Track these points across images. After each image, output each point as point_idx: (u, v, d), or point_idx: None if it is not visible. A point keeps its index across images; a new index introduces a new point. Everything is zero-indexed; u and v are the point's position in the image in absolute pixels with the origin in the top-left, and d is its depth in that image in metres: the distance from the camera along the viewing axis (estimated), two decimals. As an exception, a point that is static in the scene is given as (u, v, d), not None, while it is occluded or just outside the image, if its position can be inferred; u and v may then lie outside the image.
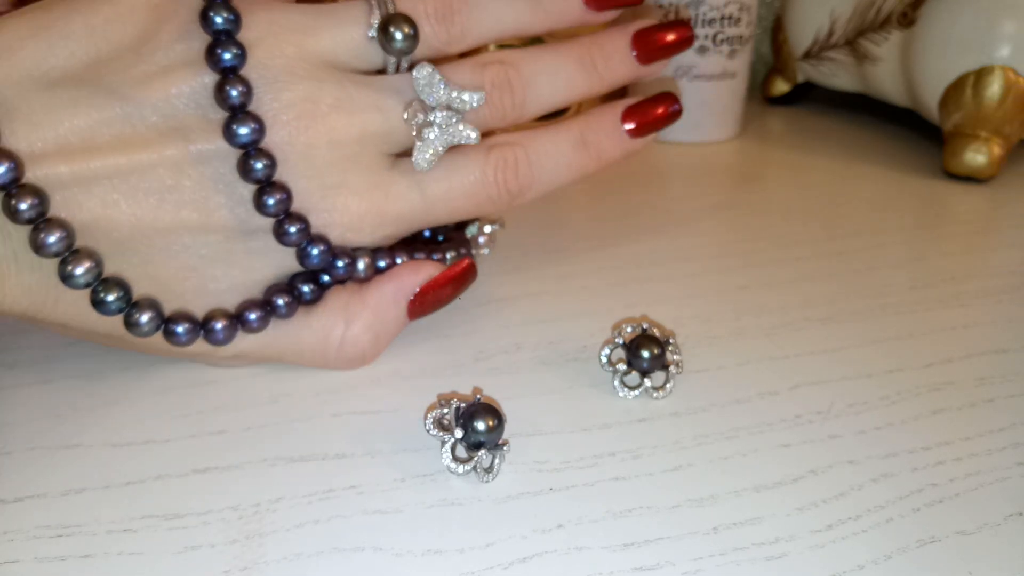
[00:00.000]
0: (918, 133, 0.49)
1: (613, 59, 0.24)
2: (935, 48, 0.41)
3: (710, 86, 0.46)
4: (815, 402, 0.22)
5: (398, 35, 0.21)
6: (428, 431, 0.19)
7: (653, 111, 0.25)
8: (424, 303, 0.23)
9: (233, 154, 0.20)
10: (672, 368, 0.22)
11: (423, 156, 0.22)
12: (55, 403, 0.22)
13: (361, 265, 0.22)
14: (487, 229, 0.28)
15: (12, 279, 0.19)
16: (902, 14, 0.44)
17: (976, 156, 0.40)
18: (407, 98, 0.22)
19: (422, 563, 0.16)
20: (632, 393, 0.22)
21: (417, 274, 0.23)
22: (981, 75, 0.39)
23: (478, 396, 0.19)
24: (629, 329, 0.23)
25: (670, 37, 0.25)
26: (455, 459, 0.19)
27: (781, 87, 0.55)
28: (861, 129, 0.51)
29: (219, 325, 0.21)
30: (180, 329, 0.20)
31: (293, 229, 0.20)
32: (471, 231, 0.28)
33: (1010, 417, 0.22)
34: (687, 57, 0.45)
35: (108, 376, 0.23)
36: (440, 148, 0.22)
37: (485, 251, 0.28)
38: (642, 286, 0.29)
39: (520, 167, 0.23)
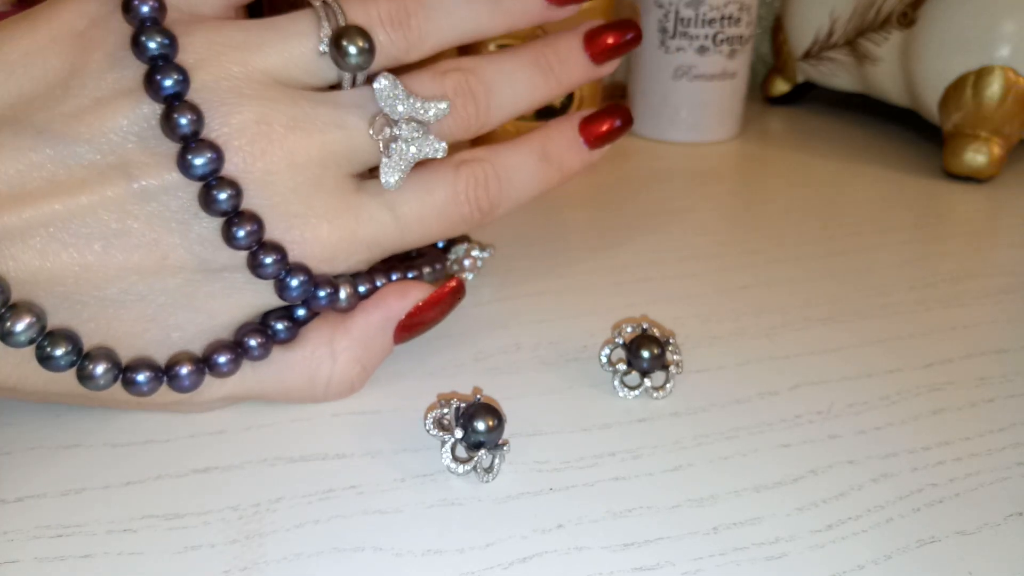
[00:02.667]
0: (918, 133, 0.49)
1: (568, 61, 0.24)
2: (935, 48, 0.41)
3: (710, 86, 0.46)
4: (815, 402, 0.22)
5: (352, 49, 0.19)
6: (428, 431, 0.19)
7: (609, 122, 0.25)
8: (412, 328, 0.22)
9: (183, 187, 0.18)
10: (672, 368, 0.22)
11: (392, 174, 0.21)
12: (55, 403, 0.22)
13: (343, 294, 0.21)
14: (475, 253, 0.28)
15: None
16: (902, 14, 0.44)
17: (976, 156, 0.40)
18: (369, 113, 0.20)
19: (422, 563, 0.16)
20: (632, 393, 0.22)
21: (404, 299, 0.22)
22: (981, 75, 0.39)
23: (478, 396, 0.19)
24: (629, 329, 0.23)
25: (620, 37, 0.24)
26: (455, 459, 0.19)
27: (781, 87, 0.55)
28: (861, 129, 0.51)
29: (184, 371, 0.19)
30: (141, 378, 0.18)
31: (269, 260, 0.19)
32: (458, 252, 0.28)
33: (1010, 417, 0.22)
34: (687, 57, 0.45)
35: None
36: (409, 164, 0.21)
37: (469, 276, 0.28)
38: (642, 286, 0.29)
39: (490, 183, 0.23)
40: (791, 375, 0.23)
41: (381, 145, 0.20)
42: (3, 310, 0.17)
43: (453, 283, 0.22)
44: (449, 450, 0.19)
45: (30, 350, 0.18)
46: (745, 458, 0.20)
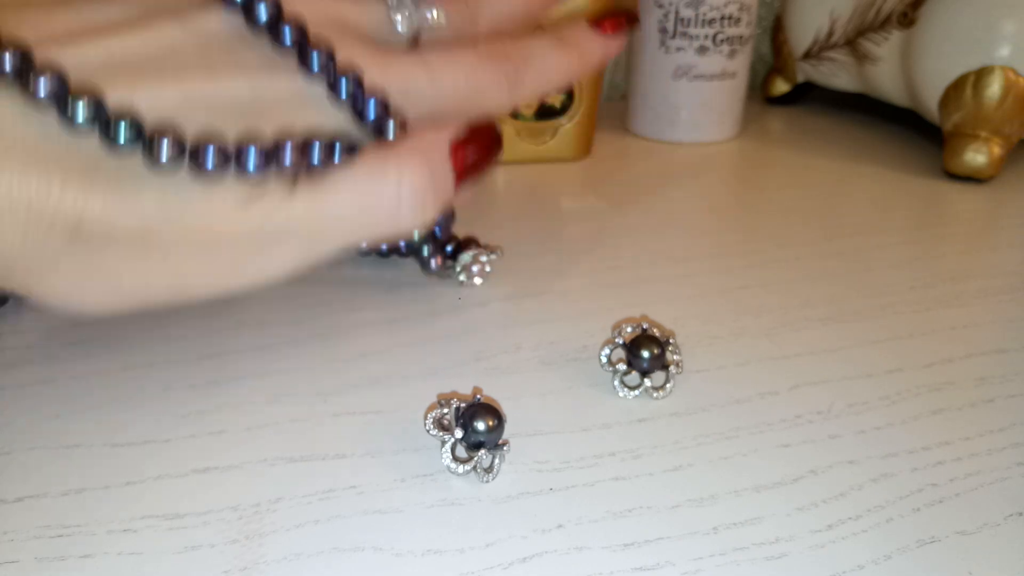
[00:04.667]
0: (918, 133, 0.49)
1: None
2: (935, 48, 0.41)
3: (710, 86, 0.46)
4: (815, 402, 0.22)
5: None
6: (428, 431, 0.19)
7: (616, 15, 0.25)
8: (465, 156, 0.21)
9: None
10: (672, 368, 0.22)
11: (403, 16, 0.22)
12: (55, 403, 0.22)
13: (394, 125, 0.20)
14: (483, 258, 0.28)
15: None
16: (902, 14, 0.44)
17: (976, 156, 0.40)
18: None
19: (422, 563, 0.16)
20: (632, 393, 0.22)
21: (439, 130, 0.21)
22: (981, 75, 0.39)
23: (478, 396, 0.19)
24: (629, 329, 0.23)
25: None
26: (455, 459, 0.19)
27: (781, 87, 0.55)
28: (861, 129, 0.51)
29: (254, 149, 0.18)
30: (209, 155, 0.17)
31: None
32: (464, 259, 0.28)
33: (1010, 417, 0.22)
34: (687, 57, 0.45)
35: (108, 376, 0.23)
36: (415, 16, 0.22)
37: (478, 281, 0.28)
38: (642, 286, 0.29)
39: (511, 52, 0.23)
40: (791, 375, 0.23)
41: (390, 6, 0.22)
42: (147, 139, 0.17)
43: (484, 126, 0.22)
44: (449, 450, 0.19)
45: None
46: (745, 458, 0.20)
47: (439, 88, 0.21)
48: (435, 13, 0.22)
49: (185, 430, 0.21)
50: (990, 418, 0.22)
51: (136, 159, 0.17)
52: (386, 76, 0.20)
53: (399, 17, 0.22)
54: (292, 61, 0.19)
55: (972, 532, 0.17)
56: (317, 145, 0.19)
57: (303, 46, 0.19)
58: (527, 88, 0.23)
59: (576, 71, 0.24)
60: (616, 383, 0.22)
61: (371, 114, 0.20)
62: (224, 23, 0.19)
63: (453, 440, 0.19)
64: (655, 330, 0.23)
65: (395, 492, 0.19)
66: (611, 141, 0.48)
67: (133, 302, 0.18)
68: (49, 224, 0.16)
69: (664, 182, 0.41)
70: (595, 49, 0.25)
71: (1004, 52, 0.38)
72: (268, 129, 0.19)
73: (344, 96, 0.19)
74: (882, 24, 0.45)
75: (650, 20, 0.45)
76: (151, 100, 0.17)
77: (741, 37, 0.45)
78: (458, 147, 0.21)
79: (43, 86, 0.16)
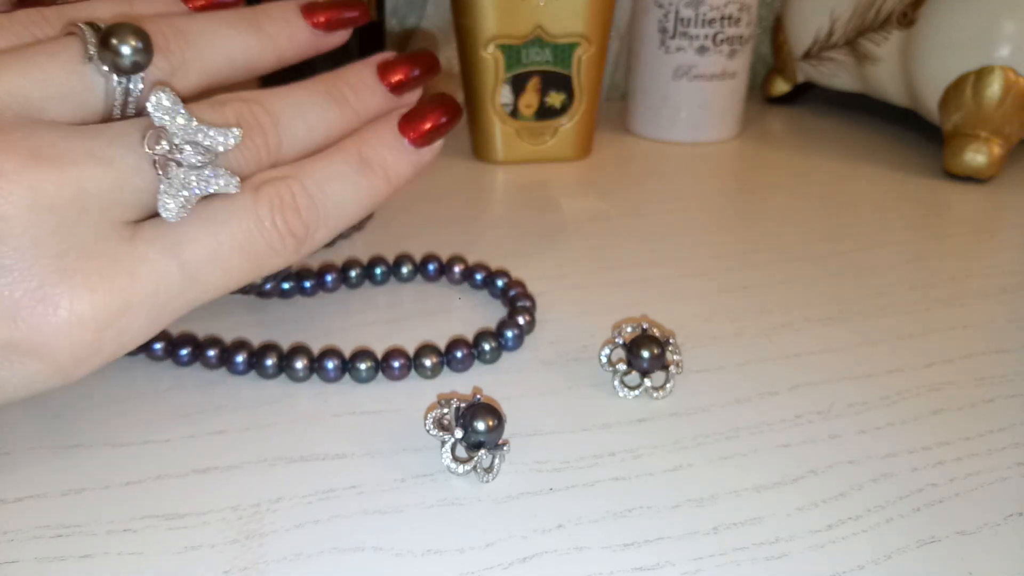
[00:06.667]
0: (918, 133, 0.49)
1: (363, 91, 0.22)
2: (935, 48, 0.41)
3: (710, 86, 0.46)
4: (815, 402, 0.22)
5: (125, 48, 0.17)
6: (428, 431, 0.19)
7: (432, 118, 0.22)
8: (418, 119, 0.20)
9: None
10: (672, 368, 0.22)
11: (171, 199, 0.17)
12: (55, 403, 0.22)
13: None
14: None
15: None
16: (902, 14, 0.44)
17: (976, 156, 0.40)
18: (140, 143, 0.17)
19: (422, 563, 0.16)
20: (632, 393, 0.22)
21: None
22: (981, 75, 0.39)
23: (478, 396, 0.19)
24: (629, 329, 0.23)
25: (412, 69, 0.22)
26: (455, 459, 0.19)
27: (781, 87, 0.55)
28: (861, 129, 0.51)
29: None
30: None
31: None
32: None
33: (1010, 417, 0.22)
34: (687, 57, 0.45)
35: (108, 376, 0.23)
36: (193, 192, 0.17)
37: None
38: (642, 286, 0.29)
39: (300, 203, 0.19)
40: (791, 375, 0.23)
41: (156, 166, 0.17)
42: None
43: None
44: (449, 450, 0.19)
45: None
46: (745, 458, 0.20)
47: (205, 288, 0.18)
48: (230, 139, 0.18)
49: (185, 430, 0.21)
50: (990, 418, 0.22)
51: None
52: (129, 304, 0.17)
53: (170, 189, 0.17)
54: None
55: (972, 532, 0.17)
56: None
57: None
58: (321, 235, 0.20)
59: (380, 199, 0.21)
60: (616, 383, 0.22)
61: None
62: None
63: (453, 440, 0.19)
64: (655, 330, 0.23)
65: (395, 492, 0.19)
66: (611, 141, 0.48)
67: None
68: None
69: (664, 182, 0.41)
70: (404, 167, 0.22)
71: (1004, 52, 0.38)
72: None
73: None
74: (882, 24, 0.45)
75: (650, 20, 0.45)
76: None
77: (741, 37, 0.45)
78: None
79: None
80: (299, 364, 0.22)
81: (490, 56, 0.40)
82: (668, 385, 0.22)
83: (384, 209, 0.36)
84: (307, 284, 0.27)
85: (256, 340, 0.24)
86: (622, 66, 0.59)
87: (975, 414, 0.22)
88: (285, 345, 0.24)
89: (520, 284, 0.27)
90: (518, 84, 0.41)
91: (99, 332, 0.16)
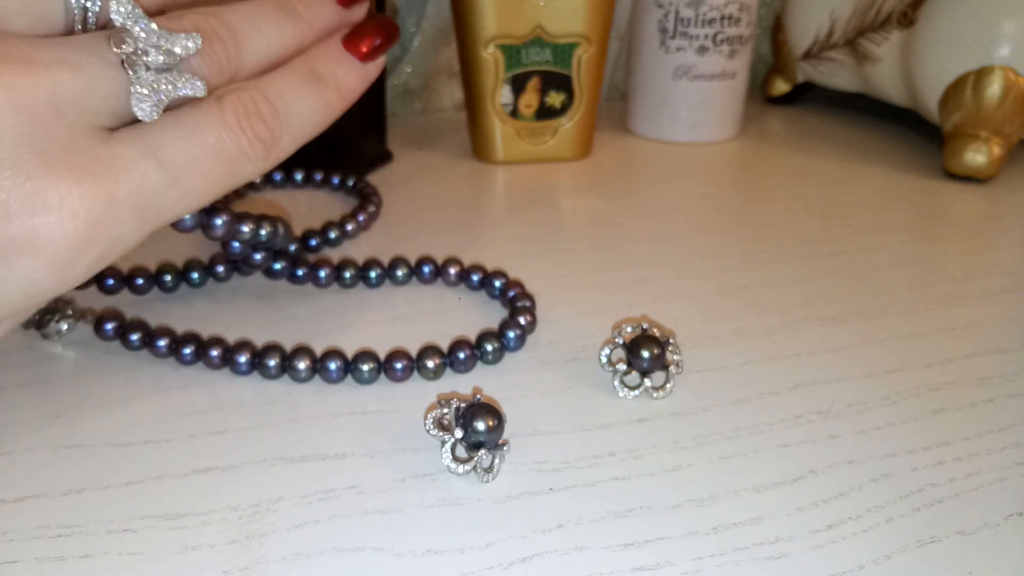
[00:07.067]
0: (918, 133, 0.49)
1: (314, 4, 0.22)
2: (935, 48, 0.41)
3: (710, 86, 0.46)
4: (815, 402, 0.22)
5: None
6: (428, 431, 0.19)
7: (371, 38, 0.23)
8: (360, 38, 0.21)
9: None
10: (672, 368, 0.22)
11: (144, 101, 0.17)
12: (55, 403, 0.22)
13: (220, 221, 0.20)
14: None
15: None
16: (902, 14, 0.44)
17: (976, 156, 0.40)
18: (105, 54, 0.17)
19: (422, 563, 0.16)
20: (632, 393, 0.22)
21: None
22: (981, 75, 0.39)
23: (478, 396, 0.19)
24: (629, 329, 0.23)
25: None
26: (455, 459, 0.19)
27: (781, 87, 0.55)
28: (861, 129, 0.51)
29: None
30: None
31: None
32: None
33: (1010, 417, 0.22)
34: (687, 57, 0.45)
35: (108, 376, 0.23)
36: (161, 94, 0.18)
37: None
38: (642, 286, 0.29)
39: (263, 109, 0.20)
40: (791, 375, 0.23)
41: (125, 65, 0.17)
42: None
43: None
44: (449, 450, 0.19)
45: None
46: (745, 458, 0.20)
47: (185, 188, 0.19)
48: (190, 42, 0.18)
49: (185, 430, 0.21)
50: (990, 418, 0.22)
51: None
52: (113, 200, 0.17)
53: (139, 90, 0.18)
54: None
55: (972, 532, 0.17)
56: None
57: None
58: (285, 143, 0.21)
59: (335, 111, 0.22)
60: (616, 383, 0.22)
61: None
62: None
63: (453, 440, 0.19)
64: (655, 330, 0.23)
65: (395, 492, 0.19)
66: (611, 141, 0.48)
67: None
68: None
69: (664, 182, 0.41)
70: (353, 80, 0.23)
71: (1004, 52, 0.38)
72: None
73: None
74: (882, 24, 0.45)
75: (650, 20, 0.45)
76: None
77: (741, 37, 0.45)
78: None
79: None
80: (301, 365, 0.22)
81: (490, 56, 0.40)
82: (668, 385, 0.22)
83: (385, 209, 0.36)
84: (299, 272, 0.28)
85: (259, 340, 0.24)
86: (622, 66, 0.59)
87: (975, 414, 0.22)
88: (287, 345, 0.24)
89: (519, 284, 0.27)
90: (518, 84, 0.41)
91: (90, 225, 0.16)
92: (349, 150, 0.40)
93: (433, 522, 0.18)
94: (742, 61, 0.46)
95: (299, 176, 0.38)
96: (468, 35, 0.40)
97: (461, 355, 0.23)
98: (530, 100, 0.42)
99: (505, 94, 0.41)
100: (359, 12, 0.24)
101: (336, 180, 0.38)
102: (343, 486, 0.19)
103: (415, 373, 0.23)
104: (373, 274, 0.28)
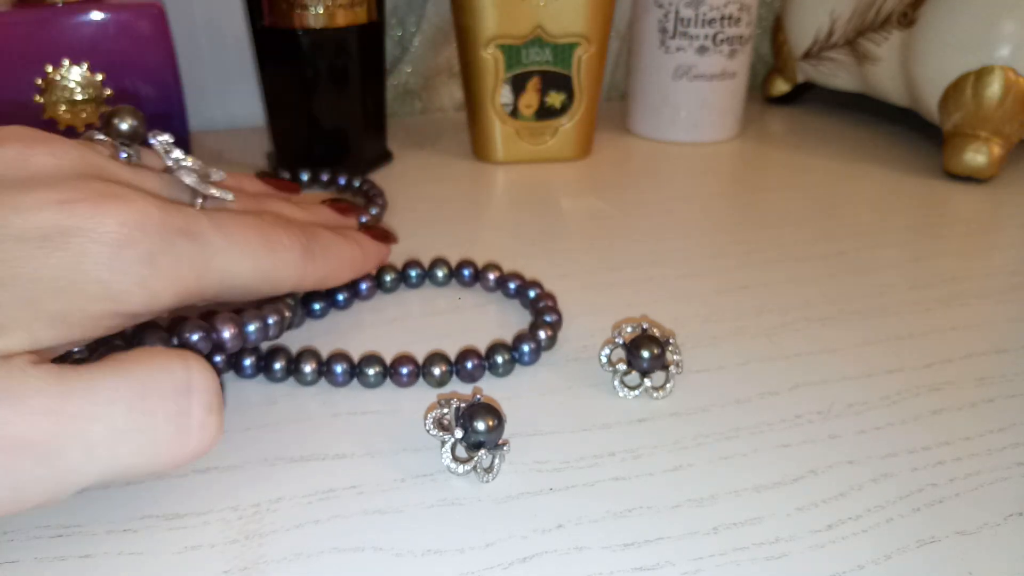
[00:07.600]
0: (918, 133, 0.49)
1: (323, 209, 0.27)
2: (935, 48, 0.41)
3: (710, 86, 0.46)
4: (815, 402, 0.22)
5: (123, 125, 0.21)
6: (428, 431, 0.19)
7: (381, 233, 0.27)
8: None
9: None
10: (672, 368, 0.22)
11: (189, 175, 0.21)
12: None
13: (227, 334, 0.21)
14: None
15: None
16: (902, 14, 0.44)
17: (976, 156, 0.40)
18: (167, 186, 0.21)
19: (422, 563, 0.16)
20: (632, 393, 0.22)
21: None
22: (981, 75, 0.39)
23: (478, 396, 0.19)
24: (629, 329, 0.23)
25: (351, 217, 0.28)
26: (455, 459, 0.19)
27: (781, 87, 0.55)
28: (861, 129, 0.51)
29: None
30: None
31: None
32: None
33: (1010, 417, 0.22)
34: (687, 57, 0.45)
35: (108, 376, 0.23)
36: (199, 186, 0.21)
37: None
38: (642, 286, 0.29)
39: (302, 226, 0.23)
40: (791, 375, 0.23)
41: (169, 161, 0.21)
42: None
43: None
44: (449, 450, 0.19)
45: None
46: (745, 458, 0.20)
47: (233, 249, 0.20)
48: (227, 195, 0.22)
49: (185, 430, 0.21)
50: (990, 418, 0.22)
51: None
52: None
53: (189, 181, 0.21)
54: None
55: (972, 532, 0.17)
56: None
57: None
58: (319, 264, 0.22)
59: (360, 266, 0.25)
60: (616, 383, 0.22)
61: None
62: None
63: (453, 440, 0.19)
64: (655, 330, 0.23)
65: (395, 492, 0.19)
66: (611, 141, 0.48)
67: None
68: None
69: (664, 182, 0.41)
70: (374, 249, 0.26)
71: (1004, 52, 0.38)
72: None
73: None
74: (882, 24, 0.45)
75: (650, 20, 0.46)
76: None
77: (741, 37, 0.45)
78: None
79: None
80: (307, 368, 0.22)
81: (490, 56, 0.40)
82: (668, 385, 0.22)
83: (385, 209, 0.36)
84: (316, 307, 0.27)
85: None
86: (622, 66, 0.59)
87: (975, 414, 0.22)
88: (293, 347, 0.24)
89: (551, 296, 0.27)
90: (518, 84, 0.41)
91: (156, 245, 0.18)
92: (349, 150, 0.40)
93: (433, 522, 0.18)
94: (742, 61, 0.46)
95: (305, 176, 0.38)
96: (468, 35, 0.40)
97: (468, 365, 0.23)
98: (530, 100, 0.42)
99: (505, 94, 0.41)
100: (353, 221, 0.28)
101: (342, 180, 0.38)
102: (343, 486, 0.19)
103: (419, 379, 0.23)
104: (388, 278, 0.28)
